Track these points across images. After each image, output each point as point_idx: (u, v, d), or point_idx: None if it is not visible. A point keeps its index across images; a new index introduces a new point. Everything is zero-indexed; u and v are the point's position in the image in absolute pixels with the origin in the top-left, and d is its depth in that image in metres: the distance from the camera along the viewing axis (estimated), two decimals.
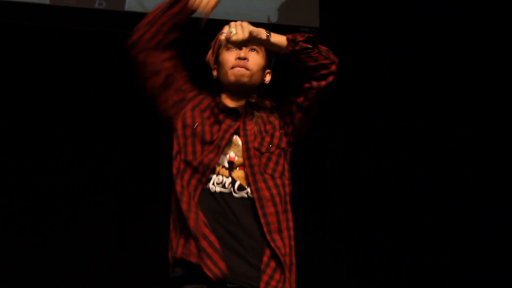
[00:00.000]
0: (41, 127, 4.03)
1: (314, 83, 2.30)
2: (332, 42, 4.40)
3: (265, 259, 2.24)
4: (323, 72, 2.30)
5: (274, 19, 4.41)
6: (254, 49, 2.38)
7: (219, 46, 2.40)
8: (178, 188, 2.27)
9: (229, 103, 2.38)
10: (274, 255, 2.24)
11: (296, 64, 2.28)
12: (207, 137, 2.30)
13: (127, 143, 4.13)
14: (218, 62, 2.40)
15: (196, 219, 2.21)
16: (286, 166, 2.36)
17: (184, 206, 2.23)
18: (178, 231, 2.26)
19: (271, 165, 2.32)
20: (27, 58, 4.06)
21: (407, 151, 4.52)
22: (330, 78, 2.32)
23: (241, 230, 2.24)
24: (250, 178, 2.27)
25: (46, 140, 4.03)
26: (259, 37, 2.23)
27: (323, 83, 2.31)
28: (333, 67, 2.32)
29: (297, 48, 2.24)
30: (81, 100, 4.09)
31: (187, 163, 2.28)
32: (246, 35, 2.21)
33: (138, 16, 4.12)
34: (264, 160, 2.31)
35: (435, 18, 4.59)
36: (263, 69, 2.40)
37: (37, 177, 3.99)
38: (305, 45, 2.25)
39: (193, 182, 2.27)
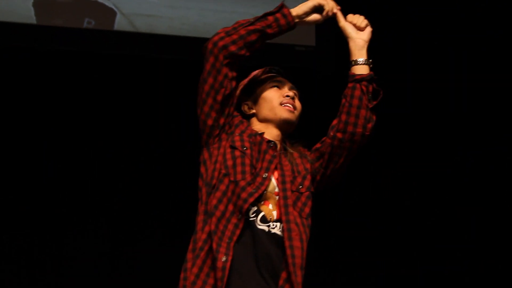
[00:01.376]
0: (27, 149, 3.96)
1: (356, 130, 2.37)
2: (329, 61, 4.43)
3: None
4: (354, 123, 2.37)
5: None
6: (296, 92, 2.51)
7: (257, 83, 2.50)
8: (218, 213, 2.24)
9: (266, 135, 2.42)
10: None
11: (352, 98, 2.36)
12: (254, 162, 2.33)
13: (119, 167, 4.05)
14: (258, 98, 2.47)
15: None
16: (311, 211, 2.38)
17: (213, 227, 2.23)
18: (197, 252, 2.24)
19: (299, 204, 2.34)
20: (14, 79, 3.98)
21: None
22: (346, 136, 2.37)
23: (260, 261, 2.23)
24: (282, 209, 2.28)
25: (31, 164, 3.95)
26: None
27: (345, 136, 2.37)
28: (360, 131, 2.38)
29: (365, 81, 2.38)
30: (69, 122, 4.02)
31: (236, 183, 2.26)
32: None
33: (128, 36, 4.13)
34: (293, 198, 2.33)
35: (435, 39, 4.59)
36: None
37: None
38: (371, 88, 2.39)
39: (231, 208, 2.26)
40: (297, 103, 2.49)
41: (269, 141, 2.39)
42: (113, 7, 4.09)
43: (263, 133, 2.40)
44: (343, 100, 2.38)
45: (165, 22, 4.17)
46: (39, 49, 3.98)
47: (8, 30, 3.92)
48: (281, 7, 2.40)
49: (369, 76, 2.40)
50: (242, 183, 2.25)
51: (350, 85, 2.38)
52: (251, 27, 2.35)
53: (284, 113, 2.42)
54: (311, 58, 4.44)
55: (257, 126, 2.45)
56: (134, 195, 4.06)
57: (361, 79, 2.39)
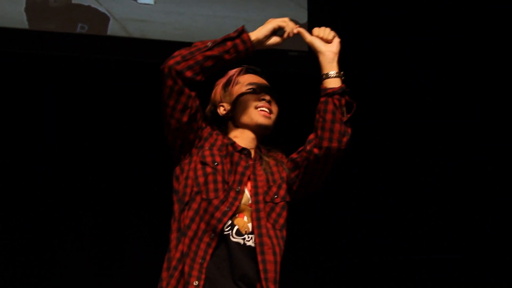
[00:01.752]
0: (20, 154, 3.95)
1: (332, 145, 2.33)
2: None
3: None
4: (329, 138, 2.32)
5: None
6: (271, 91, 2.46)
7: (233, 84, 2.45)
8: (190, 233, 2.23)
9: (240, 143, 2.39)
10: None
11: (325, 112, 2.32)
12: (226, 177, 2.30)
13: (113, 171, 4.06)
14: (234, 100, 2.42)
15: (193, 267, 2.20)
16: (286, 221, 2.36)
17: (185, 249, 2.22)
18: (171, 272, 2.22)
19: (274, 215, 2.31)
20: (7, 85, 3.97)
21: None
22: (322, 152, 2.33)
23: (235, 274, 2.22)
24: (255, 223, 2.26)
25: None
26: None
27: (321, 152, 2.33)
28: (335, 145, 2.32)
29: (338, 95, 2.33)
30: (62, 126, 4.02)
31: (209, 202, 2.25)
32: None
33: (121, 41, 4.13)
34: (267, 209, 2.30)
35: (431, 50, 4.61)
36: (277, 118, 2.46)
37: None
38: (344, 101, 2.34)
39: (203, 226, 2.24)
40: (274, 107, 2.44)
41: (242, 150, 2.35)
42: (106, 12, 4.08)
43: (234, 142, 2.36)
44: (317, 116, 2.34)
45: (158, 27, 4.16)
46: (31, 54, 3.96)
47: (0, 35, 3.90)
48: (241, 32, 2.34)
49: (340, 89, 2.35)
50: (215, 202, 2.24)
51: (322, 99, 2.34)
52: (209, 53, 2.27)
53: (259, 118, 2.39)
54: (304, 63, 4.42)
55: (232, 129, 2.43)
56: (128, 198, 4.06)
57: (333, 92, 2.34)
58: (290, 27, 2.42)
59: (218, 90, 2.47)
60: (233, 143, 2.36)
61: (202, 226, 2.22)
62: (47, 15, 3.99)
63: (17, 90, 3.98)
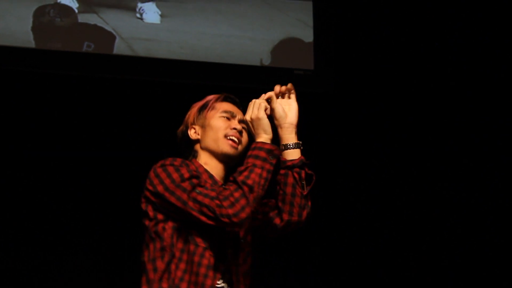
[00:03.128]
0: (23, 172, 3.94)
1: (292, 218, 2.35)
2: (327, 84, 4.45)
3: None
4: (289, 211, 2.34)
5: (267, 61, 4.37)
6: (244, 126, 2.40)
7: (208, 109, 2.42)
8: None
9: (210, 168, 2.38)
10: None
11: (285, 185, 2.32)
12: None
13: (115, 186, 4.02)
14: (205, 124, 2.40)
15: None
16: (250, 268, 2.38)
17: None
18: None
19: (245, 267, 2.35)
20: (13, 104, 3.97)
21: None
22: (282, 224, 2.36)
23: None
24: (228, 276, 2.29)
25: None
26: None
27: (281, 224, 2.36)
28: (295, 219, 2.34)
29: (297, 168, 2.32)
30: (68, 145, 4.01)
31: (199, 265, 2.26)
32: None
33: (127, 60, 4.14)
34: (243, 256, 2.35)
35: (435, 61, 4.60)
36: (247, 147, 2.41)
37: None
38: (304, 174, 2.33)
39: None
40: (244, 137, 2.40)
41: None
42: (112, 31, 4.09)
43: (212, 177, 2.35)
44: (277, 187, 2.33)
45: (164, 46, 4.17)
46: (38, 73, 3.97)
47: (6, 54, 3.91)
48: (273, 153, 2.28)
49: (300, 162, 2.33)
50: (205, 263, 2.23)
51: (282, 171, 2.33)
52: (264, 179, 2.22)
53: (225, 147, 2.36)
54: (310, 82, 4.44)
55: (201, 154, 2.39)
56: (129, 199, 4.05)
57: (292, 165, 2.32)
58: (265, 103, 2.37)
59: (193, 112, 2.45)
60: (211, 177, 2.35)
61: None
62: (53, 34, 4.00)
63: (24, 108, 3.98)
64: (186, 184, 2.19)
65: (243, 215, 2.14)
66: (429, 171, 4.54)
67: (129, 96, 4.10)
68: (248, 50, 4.34)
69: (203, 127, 2.40)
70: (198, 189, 2.18)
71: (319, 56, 4.46)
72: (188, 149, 2.42)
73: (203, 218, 2.16)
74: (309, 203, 2.36)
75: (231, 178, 2.21)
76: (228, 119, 2.40)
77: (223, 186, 2.31)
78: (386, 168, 4.50)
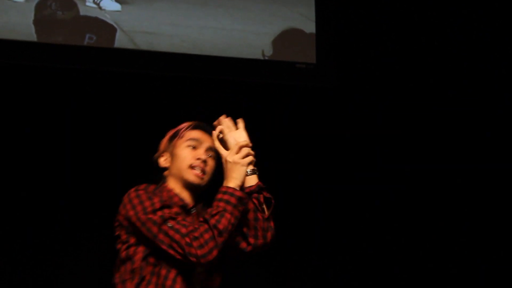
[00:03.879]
0: (26, 166, 3.94)
1: (258, 241, 2.43)
2: (329, 78, 4.44)
3: None
4: (254, 235, 2.42)
5: (269, 53, 4.34)
6: (211, 154, 2.45)
7: (178, 138, 2.47)
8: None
9: (179, 192, 2.44)
10: None
11: (247, 212, 2.39)
12: None
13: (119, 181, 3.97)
14: (174, 154, 2.46)
15: None
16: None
17: None
18: None
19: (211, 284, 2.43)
20: (15, 97, 3.96)
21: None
22: (249, 248, 2.43)
23: None
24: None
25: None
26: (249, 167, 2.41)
27: (248, 248, 2.43)
28: (261, 242, 2.43)
29: (255, 193, 2.41)
30: (71, 140, 4.01)
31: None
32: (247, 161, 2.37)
33: (128, 53, 4.13)
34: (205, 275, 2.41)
35: (435, 53, 4.60)
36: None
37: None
38: (262, 199, 2.41)
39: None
40: (209, 167, 2.44)
41: (189, 210, 2.40)
42: (114, 24, 4.09)
43: (183, 201, 2.40)
44: (245, 218, 2.40)
45: (165, 40, 4.17)
46: (40, 66, 3.96)
47: (8, 48, 3.90)
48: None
49: (257, 188, 2.42)
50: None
51: (246, 200, 2.37)
52: (232, 225, 2.29)
53: (191, 177, 2.40)
54: (312, 75, 4.43)
55: (171, 180, 2.44)
56: None
57: (250, 192, 2.40)
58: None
59: (165, 139, 2.51)
60: (183, 202, 2.40)
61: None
62: (55, 27, 4.00)
63: (27, 102, 3.98)
64: (156, 217, 2.25)
65: (210, 257, 2.22)
66: (431, 165, 4.53)
67: (130, 90, 4.09)
68: (250, 44, 4.33)
69: (172, 155, 2.46)
70: (170, 223, 2.25)
71: (321, 50, 4.46)
72: (159, 174, 2.48)
73: (171, 252, 2.23)
74: (272, 225, 2.44)
75: (201, 219, 2.27)
76: (195, 147, 2.44)
77: (191, 212, 2.39)
78: (388, 162, 4.49)
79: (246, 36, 4.33)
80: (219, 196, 2.29)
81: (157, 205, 2.27)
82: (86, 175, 4.00)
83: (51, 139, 3.98)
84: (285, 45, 4.39)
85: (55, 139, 3.98)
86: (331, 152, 4.46)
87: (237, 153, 2.35)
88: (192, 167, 2.40)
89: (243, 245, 2.41)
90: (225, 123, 2.48)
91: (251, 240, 2.41)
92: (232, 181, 2.31)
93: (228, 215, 2.25)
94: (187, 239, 2.19)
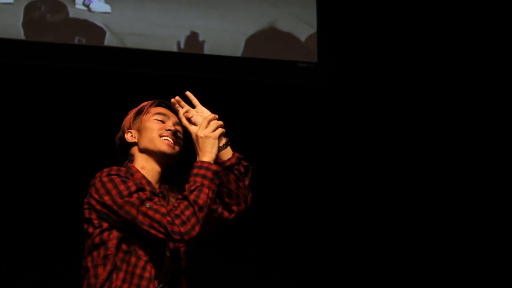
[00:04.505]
0: (15, 166, 3.98)
1: (240, 207, 2.46)
2: (331, 77, 4.44)
3: None
4: (236, 202, 2.45)
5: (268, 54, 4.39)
6: (179, 129, 2.46)
7: (144, 113, 2.48)
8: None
9: (146, 172, 2.43)
10: None
11: (228, 183, 2.42)
12: None
13: None
14: (140, 128, 2.46)
15: None
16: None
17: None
18: None
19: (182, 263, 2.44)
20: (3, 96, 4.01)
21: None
22: (233, 215, 2.47)
23: None
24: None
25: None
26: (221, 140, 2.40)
27: (231, 215, 2.46)
28: (243, 206, 2.47)
29: (236, 165, 2.41)
30: (60, 137, 4.04)
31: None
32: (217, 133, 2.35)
33: (118, 52, 4.14)
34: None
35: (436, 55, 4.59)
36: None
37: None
38: (242, 168, 2.43)
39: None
40: (179, 141, 2.45)
41: (158, 193, 2.38)
42: (103, 26, 4.12)
43: (149, 185, 2.38)
44: (220, 186, 2.40)
45: (156, 41, 4.20)
46: (28, 64, 4.00)
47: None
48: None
49: (237, 160, 2.42)
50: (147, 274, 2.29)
51: (221, 173, 2.38)
52: (210, 200, 2.30)
53: (162, 146, 2.41)
54: (313, 74, 4.44)
55: (138, 157, 2.44)
56: None
57: (231, 165, 2.41)
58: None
59: (129, 117, 2.51)
60: (150, 186, 2.39)
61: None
62: (44, 30, 4.04)
63: (14, 101, 4.02)
64: (134, 199, 2.25)
65: (193, 233, 2.22)
66: (432, 164, 4.52)
67: (120, 88, 4.12)
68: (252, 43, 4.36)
69: (139, 130, 2.46)
70: (148, 204, 2.24)
71: (323, 49, 4.46)
72: (125, 153, 2.48)
73: (153, 232, 2.22)
74: (249, 189, 2.46)
75: (179, 196, 2.27)
76: (163, 121, 2.45)
77: (160, 195, 2.37)
78: (389, 162, 4.49)
79: (237, 37, 4.34)
80: (195, 171, 2.28)
81: (133, 188, 2.26)
82: (77, 174, 4.00)
83: (41, 137, 4.02)
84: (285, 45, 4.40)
85: (45, 136, 4.03)
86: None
87: (206, 127, 2.34)
88: (162, 136, 2.41)
89: (226, 214, 2.44)
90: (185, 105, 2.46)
91: (234, 208, 2.44)
92: (206, 155, 2.32)
93: (206, 190, 2.25)
94: (168, 218, 2.19)
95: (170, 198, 2.43)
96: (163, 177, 2.45)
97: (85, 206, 2.34)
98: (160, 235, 2.21)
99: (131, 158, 2.45)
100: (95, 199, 2.30)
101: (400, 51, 4.56)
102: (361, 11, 4.58)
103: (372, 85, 4.54)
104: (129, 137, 2.47)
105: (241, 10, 4.38)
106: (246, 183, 2.44)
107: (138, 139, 2.45)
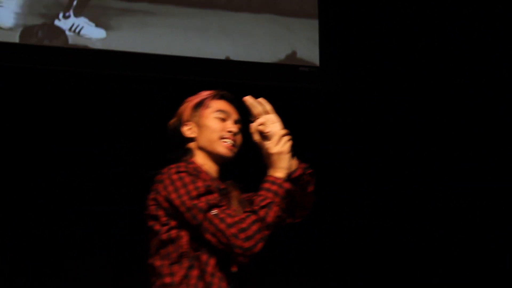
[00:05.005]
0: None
1: (304, 212, 2.47)
2: (333, 81, 4.40)
3: None
4: (301, 209, 2.45)
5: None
6: (239, 121, 2.44)
7: (204, 107, 2.42)
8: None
9: (207, 168, 2.39)
10: None
11: (295, 192, 2.37)
12: None
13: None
14: (200, 123, 2.41)
15: None
16: None
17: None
18: None
19: None
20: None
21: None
22: (297, 220, 2.48)
23: None
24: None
25: None
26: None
27: (295, 221, 2.47)
28: (307, 212, 2.48)
29: (306, 168, 2.39)
30: (59, 140, 3.99)
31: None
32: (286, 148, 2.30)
33: (116, 55, 4.05)
34: None
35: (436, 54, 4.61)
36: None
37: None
38: (308, 177, 2.40)
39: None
40: (238, 139, 2.42)
41: (222, 189, 2.34)
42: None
43: (214, 181, 2.35)
44: (293, 199, 2.37)
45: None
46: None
47: None
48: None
49: (303, 171, 2.38)
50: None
51: (292, 190, 2.34)
52: (278, 218, 2.24)
53: (222, 150, 2.37)
54: (315, 78, 4.42)
55: (197, 153, 2.40)
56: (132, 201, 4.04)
57: (299, 176, 2.37)
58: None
59: (188, 107, 2.44)
60: (215, 182, 2.35)
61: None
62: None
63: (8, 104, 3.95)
64: (202, 203, 2.19)
65: (256, 250, 2.17)
66: (434, 167, 4.54)
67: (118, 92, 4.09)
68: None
69: (198, 125, 2.41)
70: (215, 211, 2.19)
71: (325, 53, 4.44)
72: (181, 145, 2.42)
73: (214, 240, 2.18)
74: (313, 194, 2.46)
75: (248, 209, 2.21)
76: (224, 119, 2.40)
77: (224, 192, 2.32)
78: (391, 165, 4.50)
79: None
80: (267, 185, 2.23)
81: (202, 190, 2.21)
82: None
83: (38, 145, 3.97)
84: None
85: (41, 144, 3.97)
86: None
87: (278, 143, 2.28)
88: (223, 138, 2.37)
89: (290, 220, 2.43)
90: (265, 118, 2.33)
91: (298, 214, 2.44)
92: (279, 171, 2.25)
93: (276, 208, 2.20)
94: (233, 230, 2.14)
95: (233, 195, 2.39)
96: (223, 172, 2.42)
97: (151, 203, 2.30)
98: (220, 246, 2.18)
99: (191, 154, 2.40)
100: (163, 196, 2.26)
101: (402, 55, 4.57)
102: (363, 14, 4.59)
103: (373, 88, 4.55)
104: (186, 130, 2.42)
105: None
106: (311, 189, 2.41)
107: (197, 135, 2.40)
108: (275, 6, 4.39)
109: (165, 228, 2.25)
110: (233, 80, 4.21)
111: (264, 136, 2.30)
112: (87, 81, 4.02)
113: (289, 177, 2.31)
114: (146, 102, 4.07)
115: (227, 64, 4.25)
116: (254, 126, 2.32)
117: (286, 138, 2.29)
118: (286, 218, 2.40)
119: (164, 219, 2.26)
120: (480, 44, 4.57)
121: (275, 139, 2.27)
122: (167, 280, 2.23)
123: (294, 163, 2.36)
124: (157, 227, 2.27)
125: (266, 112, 2.33)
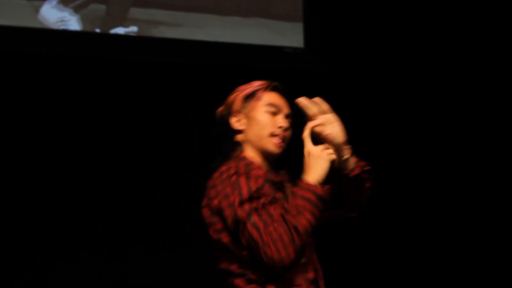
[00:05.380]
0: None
1: (361, 207, 2.41)
2: (317, 62, 4.45)
3: None
4: (358, 205, 2.39)
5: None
6: (290, 116, 2.34)
7: (255, 99, 2.31)
8: None
9: (259, 161, 2.30)
10: None
11: (343, 187, 2.31)
12: None
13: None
14: (250, 116, 2.30)
15: None
16: None
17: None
18: None
19: None
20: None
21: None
22: (354, 214, 2.43)
23: None
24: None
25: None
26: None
27: (353, 214, 2.42)
28: (363, 207, 2.42)
29: (364, 166, 2.33)
30: (58, 140, 4.02)
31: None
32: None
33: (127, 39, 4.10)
34: None
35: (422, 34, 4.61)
36: None
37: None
38: (366, 175, 2.34)
39: None
40: (288, 134, 2.31)
41: (277, 183, 2.27)
42: None
43: (268, 175, 2.25)
44: (341, 194, 2.31)
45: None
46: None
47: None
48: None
49: (361, 170, 2.31)
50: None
51: (347, 183, 2.29)
52: (312, 226, 2.15)
53: (271, 147, 2.27)
54: (300, 60, 4.44)
55: (247, 147, 2.30)
56: (131, 200, 4.08)
57: (355, 176, 2.30)
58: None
59: (238, 97, 2.33)
60: (269, 176, 2.26)
61: None
62: None
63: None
64: (243, 211, 2.11)
65: (287, 261, 2.07)
66: (424, 151, 4.58)
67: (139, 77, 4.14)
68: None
69: (247, 118, 2.30)
70: (254, 218, 2.10)
71: (309, 34, 4.46)
72: (229, 136, 2.33)
73: (249, 249, 2.13)
74: (369, 189, 2.39)
75: (280, 218, 2.10)
76: (275, 113, 2.30)
77: (279, 185, 2.27)
78: (380, 149, 4.41)
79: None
80: (297, 190, 2.14)
81: (245, 196, 2.11)
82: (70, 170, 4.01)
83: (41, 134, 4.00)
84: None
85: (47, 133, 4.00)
86: None
87: (325, 149, 2.21)
88: (273, 135, 2.27)
89: (347, 214, 2.40)
90: (323, 118, 2.25)
91: (355, 209, 2.37)
92: (311, 175, 2.17)
93: (308, 215, 2.10)
94: (265, 238, 2.06)
95: (287, 187, 2.30)
96: (274, 164, 2.32)
97: (206, 209, 2.23)
98: (252, 254, 2.11)
99: (240, 148, 2.31)
100: (216, 203, 2.19)
101: (387, 35, 4.56)
102: None
103: (359, 70, 4.57)
104: (235, 122, 2.32)
105: None
106: (368, 186, 2.34)
107: (245, 127, 2.31)
108: None
109: (224, 233, 2.19)
110: (218, 62, 4.25)
111: (321, 138, 2.22)
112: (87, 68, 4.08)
113: (347, 176, 2.26)
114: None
115: (212, 46, 4.25)
116: (309, 127, 2.23)
117: (347, 147, 2.25)
118: (344, 213, 2.37)
119: (220, 225, 2.19)
120: (474, 28, 4.55)
121: (323, 145, 2.21)
122: (240, 283, 2.19)
123: (353, 161, 2.28)
124: (215, 236, 2.21)
125: (323, 112, 2.25)
